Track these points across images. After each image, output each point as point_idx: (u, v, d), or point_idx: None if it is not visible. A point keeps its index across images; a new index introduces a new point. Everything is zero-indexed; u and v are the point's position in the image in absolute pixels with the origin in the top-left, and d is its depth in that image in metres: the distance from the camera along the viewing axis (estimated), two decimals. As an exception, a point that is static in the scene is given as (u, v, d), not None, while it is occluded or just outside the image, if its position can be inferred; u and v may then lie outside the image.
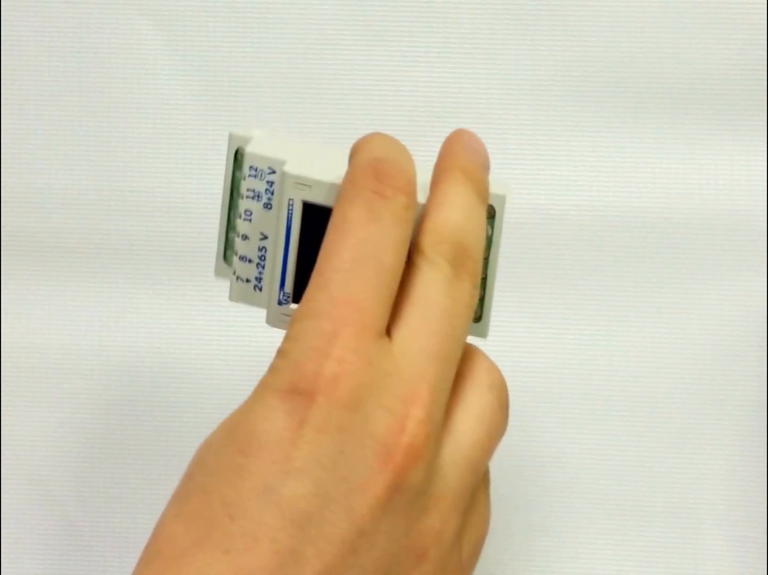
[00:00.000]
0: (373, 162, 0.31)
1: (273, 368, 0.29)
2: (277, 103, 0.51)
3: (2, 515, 0.51)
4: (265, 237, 0.33)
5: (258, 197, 0.33)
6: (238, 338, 0.50)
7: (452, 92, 0.51)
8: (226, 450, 0.29)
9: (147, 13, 0.51)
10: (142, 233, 0.51)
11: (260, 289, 0.34)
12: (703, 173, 0.50)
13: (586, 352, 0.50)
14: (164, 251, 0.51)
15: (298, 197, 0.32)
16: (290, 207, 0.32)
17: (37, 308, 0.51)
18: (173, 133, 0.51)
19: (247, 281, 0.34)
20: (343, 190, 0.31)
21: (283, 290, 0.33)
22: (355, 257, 0.29)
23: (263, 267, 0.34)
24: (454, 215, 0.31)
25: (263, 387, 0.29)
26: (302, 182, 0.32)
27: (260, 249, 0.33)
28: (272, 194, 0.33)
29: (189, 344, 0.51)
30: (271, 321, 0.33)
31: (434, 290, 0.30)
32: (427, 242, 0.31)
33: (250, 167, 0.33)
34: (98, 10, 0.51)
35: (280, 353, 0.30)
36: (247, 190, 0.33)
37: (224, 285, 0.48)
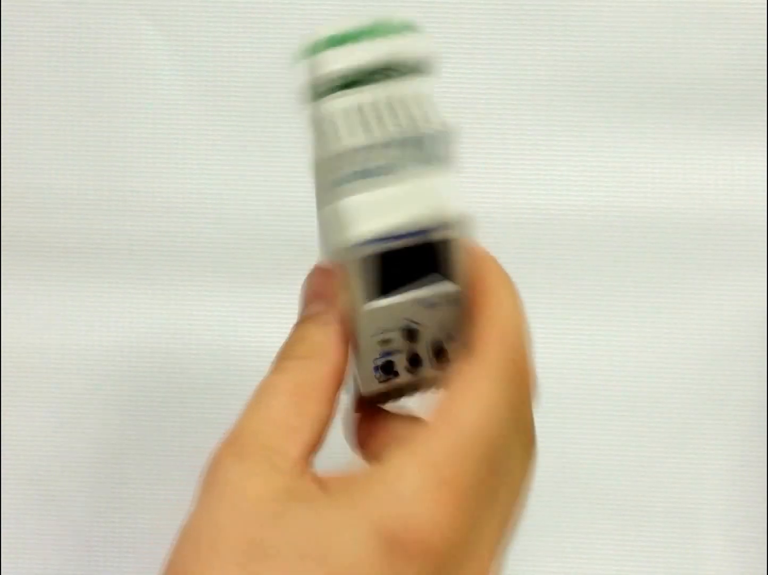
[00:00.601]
0: (519, 361, 0.31)
1: (371, 491, 0.28)
2: (277, 104, 0.51)
3: (2, 515, 0.51)
4: None
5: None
6: (238, 338, 0.50)
7: (452, 92, 0.51)
8: (302, 549, 0.27)
9: (147, 13, 0.51)
10: (142, 233, 0.51)
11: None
12: (703, 173, 0.50)
13: (586, 352, 0.50)
14: (164, 251, 0.51)
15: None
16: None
17: (37, 308, 0.51)
18: (173, 133, 0.51)
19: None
20: (484, 368, 0.30)
21: None
22: (477, 447, 0.29)
23: None
24: None
25: (358, 509, 0.28)
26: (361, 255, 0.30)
27: None
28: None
29: (189, 344, 0.51)
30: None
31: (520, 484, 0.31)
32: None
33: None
34: (98, 10, 0.51)
35: (386, 479, 0.28)
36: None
37: (222, 286, 0.48)
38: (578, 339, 0.50)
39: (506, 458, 0.30)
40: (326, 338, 0.32)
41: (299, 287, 0.53)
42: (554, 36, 0.50)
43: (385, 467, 0.28)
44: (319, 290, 0.33)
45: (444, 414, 0.29)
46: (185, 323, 0.51)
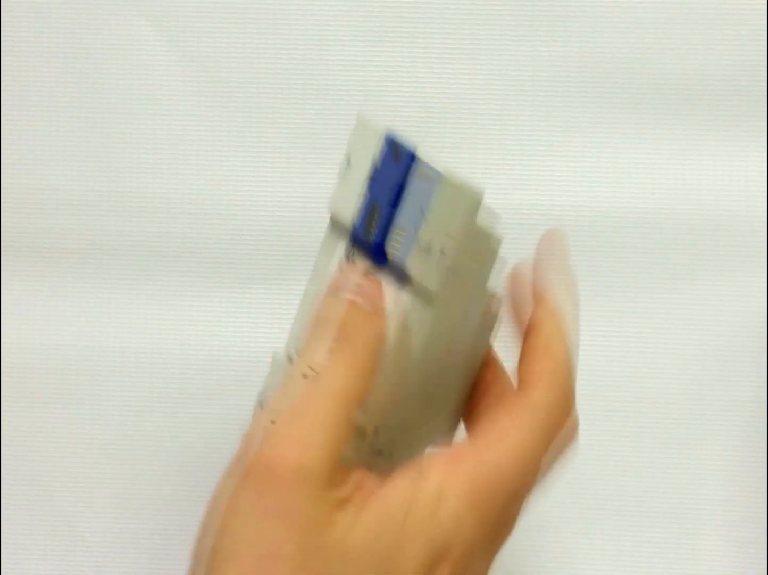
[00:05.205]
0: (564, 402, 0.34)
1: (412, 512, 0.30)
2: (277, 103, 0.51)
3: (2, 515, 0.51)
4: None
5: None
6: (238, 338, 0.50)
7: (452, 92, 0.51)
8: None
9: (146, 13, 0.51)
10: (142, 233, 0.51)
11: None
12: (703, 173, 0.50)
13: (585, 352, 0.50)
14: (164, 252, 0.51)
15: None
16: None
17: (37, 308, 0.51)
18: (173, 134, 0.51)
19: None
20: (528, 410, 0.33)
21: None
22: (509, 486, 0.32)
23: None
24: None
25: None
26: None
27: None
28: None
29: (189, 344, 0.51)
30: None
31: None
32: None
33: None
34: (98, 10, 0.51)
35: (426, 500, 0.31)
36: None
37: (222, 286, 0.48)
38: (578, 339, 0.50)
39: (529, 493, 0.33)
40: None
41: (298, 287, 0.53)
42: (554, 36, 0.50)
43: (424, 481, 0.31)
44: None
45: (483, 451, 0.32)
46: (185, 323, 0.51)
